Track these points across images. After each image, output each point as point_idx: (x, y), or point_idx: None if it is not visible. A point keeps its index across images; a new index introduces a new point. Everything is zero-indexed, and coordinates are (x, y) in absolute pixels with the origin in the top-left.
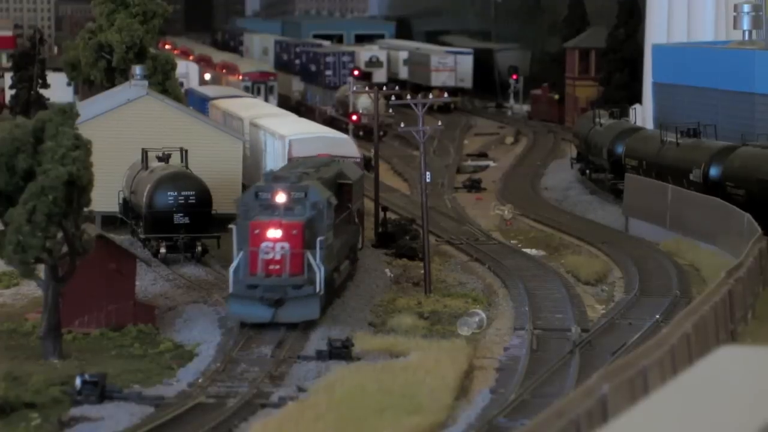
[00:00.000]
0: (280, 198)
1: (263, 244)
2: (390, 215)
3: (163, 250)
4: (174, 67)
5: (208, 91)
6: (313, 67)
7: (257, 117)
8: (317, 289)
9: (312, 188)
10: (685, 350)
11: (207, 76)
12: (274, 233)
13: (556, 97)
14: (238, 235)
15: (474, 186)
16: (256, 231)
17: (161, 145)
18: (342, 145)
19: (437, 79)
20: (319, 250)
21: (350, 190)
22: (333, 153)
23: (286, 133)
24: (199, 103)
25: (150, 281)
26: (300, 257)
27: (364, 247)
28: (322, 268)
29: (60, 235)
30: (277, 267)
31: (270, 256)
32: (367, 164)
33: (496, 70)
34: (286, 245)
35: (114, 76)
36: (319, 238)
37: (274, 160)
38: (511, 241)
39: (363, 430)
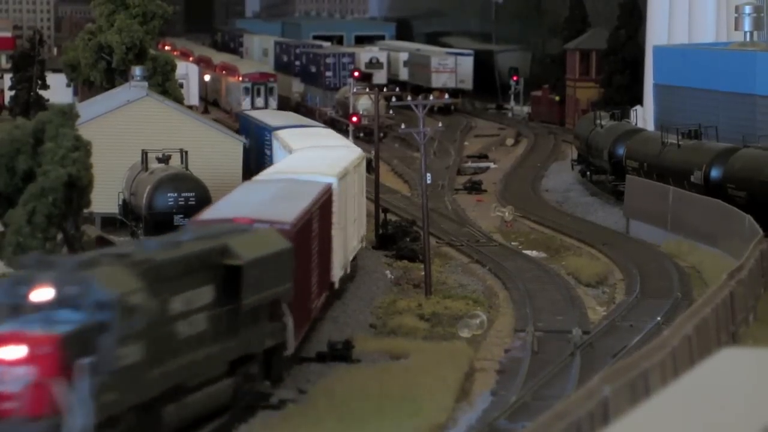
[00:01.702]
0: (40, 295)
1: None
2: (390, 217)
3: None
4: (174, 68)
5: (268, 118)
6: (313, 69)
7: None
8: None
9: (97, 279)
10: (687, 352)
11: (207, 78)
12: (11, 352)
13: (557, 98)
14: None
15: (474, 187)
16: None
17: (161, 147)
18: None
19: (437, 81)
20: (88, 379)
21: (239, 276)
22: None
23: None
24: (258, 132)
25: None
26: (46, 390)
27: (293, 349)
28: (89, 407)
29: (60, 236)
30: (11, 404)
31: (2, 387)
32: (368, 166)
33: (497, 72)
34: (33, 371)
35: (114, 77)
36: (84, 361)
37: None
38: (512, 243)
39: None
